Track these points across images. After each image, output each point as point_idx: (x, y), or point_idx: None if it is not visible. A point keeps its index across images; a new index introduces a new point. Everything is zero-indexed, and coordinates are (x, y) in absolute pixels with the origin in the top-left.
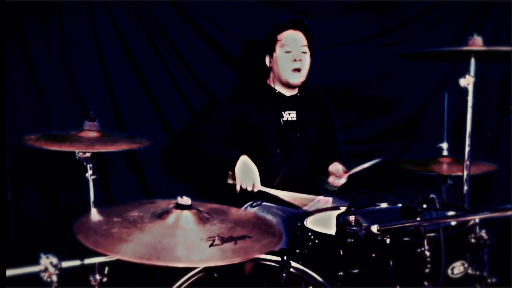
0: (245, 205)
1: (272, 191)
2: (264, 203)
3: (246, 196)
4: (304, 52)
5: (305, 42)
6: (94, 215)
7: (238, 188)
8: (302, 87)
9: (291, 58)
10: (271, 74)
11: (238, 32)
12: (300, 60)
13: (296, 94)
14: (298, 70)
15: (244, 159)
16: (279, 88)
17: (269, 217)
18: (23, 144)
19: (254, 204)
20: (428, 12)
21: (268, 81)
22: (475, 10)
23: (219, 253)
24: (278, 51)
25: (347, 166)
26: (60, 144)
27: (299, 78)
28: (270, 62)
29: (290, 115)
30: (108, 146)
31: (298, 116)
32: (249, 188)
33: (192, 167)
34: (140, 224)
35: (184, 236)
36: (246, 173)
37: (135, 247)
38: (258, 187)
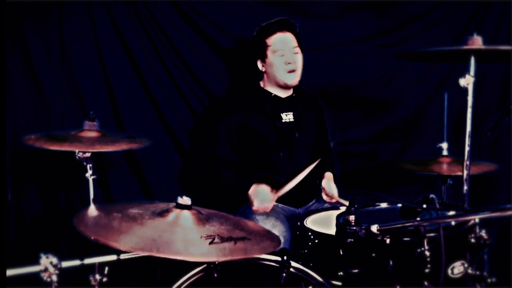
0: (246, 204)
1: (288, 187)
2: None
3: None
4: (296, 53)
5: (295, 42)
6: (93, 210)
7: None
8: (296, 87)
9: (285, 61)
10: (265, 77)
11: (239, 32)
12: (294, 62)
13: (292, 94)
14: (293, 71)
15: (254, 189)
16: (274, 91)
17: (273, 214)
18: (23, 144)
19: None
20: (428, 12)
21: (262, 83)
22: (475, 10)
23: (219, 250)
24: (271, 57)
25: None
26: (60, 144)
27: (295, 78)
28: (262, 66)
29: (287, 117)
30: (108, 146)
31: (295, 116)
32: (270, 207)
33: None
34: (140, 220)
35: (184, 234)
36: (261, 199)
37: (135, 239)
38: (276, 197)
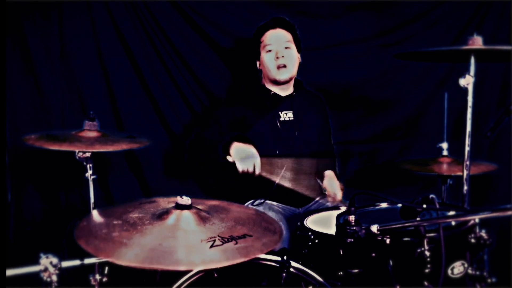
0: (247, 204)
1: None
2: (266, 202)
3: (248, 194)
4: (288, 48)
5: (288, 38)
6: (95, 217)
7: (240, 169)
8: (297, 86)
9: (274, 56)
10: (262, 75)
11: (239, 32)
12: (283, 56)
13: (292, 93)
14: (284, 66)
15: (237, 144)
16: (273, 89)
17: (271, 214)
18: (23, 143)
19: (256, 202)
20: (428, 12)
21: (262, 83)
22: (475, 10)
23: (220, 254)
24: (262, 52)
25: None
26: (60, 143)
27: (286, 74)
28: (259, 65)
29: (287, 115)
30: (108, 146)
31: (295, 115)
32: (251, 169)
33: (194, 168)
34: (140, 226)
35: (185, 238)
36: (244, 155)
37: (136, 251)
38: (259, 170)
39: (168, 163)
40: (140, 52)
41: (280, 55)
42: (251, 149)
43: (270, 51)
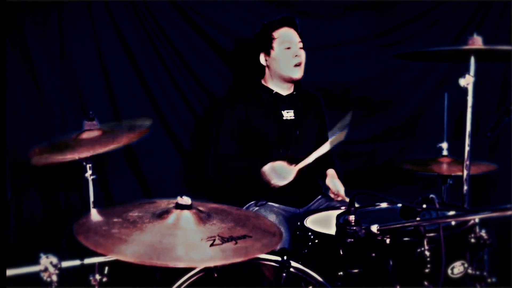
0: (249, 204)
1: (307, 161)
2: (268, 203)
3: (250, 195)
4: (301, 48)
5: (299, 38)
6: (94, 215)
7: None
8: (297, 85)
9: (292, 54)
10: (267, 72)
11: (239, 32)
12: (300, 55)
13: (292, 92)
14: (299, 64)
15: (270, 166)
16: (275, 87)
17: (272, 216)
18: (27, 155)
19: (259, 203)
20: (428, 12)
21: (263, 81)
22: (475, 10)
23: (220, 253)
24: (278, 48)
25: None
26: (63, 153)
27: (300, 72)
28: (266, 60)
29: (288, 114)
30: (109, 144)
31: (296, 114)
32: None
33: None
34: (140, 224)
35: (184, 236)
36: (280, 174)
37: (135, 247)
38: (296, 170)
39: (168, 164)
40: (140, 52)
41: (298, 54)
42: (285, 165)
43: (289, 48)
